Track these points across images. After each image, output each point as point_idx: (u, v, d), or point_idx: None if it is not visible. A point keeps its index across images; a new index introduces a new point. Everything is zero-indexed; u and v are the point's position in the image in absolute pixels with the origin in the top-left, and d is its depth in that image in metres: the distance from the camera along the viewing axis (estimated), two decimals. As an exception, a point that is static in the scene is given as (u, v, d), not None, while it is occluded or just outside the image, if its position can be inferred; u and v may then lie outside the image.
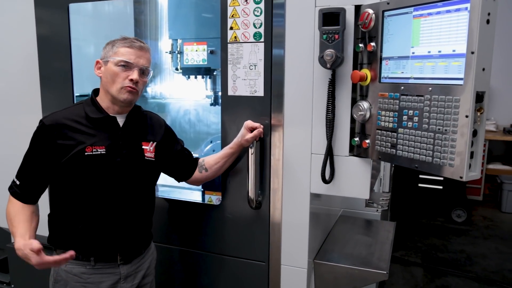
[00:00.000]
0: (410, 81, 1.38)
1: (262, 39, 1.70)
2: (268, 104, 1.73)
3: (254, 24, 1.70)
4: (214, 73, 2.34)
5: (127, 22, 2.71)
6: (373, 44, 1.48)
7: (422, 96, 1.33)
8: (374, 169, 1.71)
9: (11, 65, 2.32)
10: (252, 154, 1.71)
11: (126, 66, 1.50)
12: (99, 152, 1.50)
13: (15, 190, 1.54)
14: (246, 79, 1.75)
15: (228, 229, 1.90)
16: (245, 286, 1.91)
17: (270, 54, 1.70)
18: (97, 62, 1.57)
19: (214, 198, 2.06)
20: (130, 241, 1.62)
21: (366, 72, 1.51)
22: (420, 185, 5.01)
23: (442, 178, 4.87)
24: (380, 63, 1.47)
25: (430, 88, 1.31)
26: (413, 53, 1.36)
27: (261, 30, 1.70)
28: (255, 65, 1.73)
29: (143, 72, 1.54)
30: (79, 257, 1.54)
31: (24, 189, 1.53)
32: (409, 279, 3.59)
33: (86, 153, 1.48)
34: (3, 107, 2.37)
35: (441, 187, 4.93)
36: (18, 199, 1.53)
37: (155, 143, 1.65)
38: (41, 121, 1.52)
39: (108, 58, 1.53)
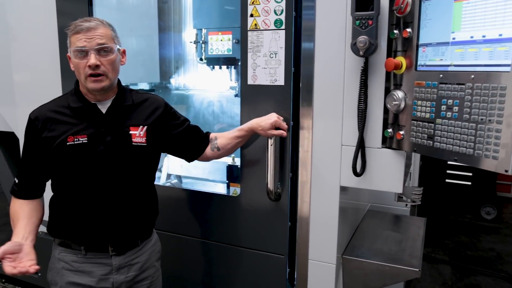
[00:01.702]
0: (450, 68, 1.30)
1: (283, 26, 1.65)
2: (289, 93, 1.69)
3: (274, 11, 1.65)
4: (239, 63, 2.30)
5: (151, 14, 2.69)
6: (409, 30, 1.40)
7: (463, 84, 1.25)
8: (406, 163, 1.64)
9: (34, 58, 2.34)
10: (271, 145, 1.67)
11: (82, 53, 1.42)
12: (81, 141, 1.47)
13: (14, 189, 1.56)
14: (267, 68, 1.70)
15: (247, 220, 1.87)
16: (263, 279, 1.88)
17: (291, 42, 1.65)
18: (69, 58, 1.49)
19: (239, 191, 2.02)
20: (122, 232, 1.56)
21: (401, 59, 1.44)
22: (447, 180, 4.87)
23: (471, 174, 4.72)
24: (417, 50, 1.40)
25: (473, 76, 1.22)
26: (453, 38, 1.28)
27: (282, 17, 1.64)
28: (275, 53, 1.68)
29: (106, 51, 1.43)
30: (71, 245, 1.55)
31: (21, 186, 1.55)
32: (437, 276, 3.49)
33: (68, 143, 1.46)
34: (27, 100, 2.39)
35: (469, 183, 4.77)
36: (17, 196, 1.55)
37: (145, 127, 1.56)
38: (29, 115, 1.51)
39: (68, 51, 1.48)
